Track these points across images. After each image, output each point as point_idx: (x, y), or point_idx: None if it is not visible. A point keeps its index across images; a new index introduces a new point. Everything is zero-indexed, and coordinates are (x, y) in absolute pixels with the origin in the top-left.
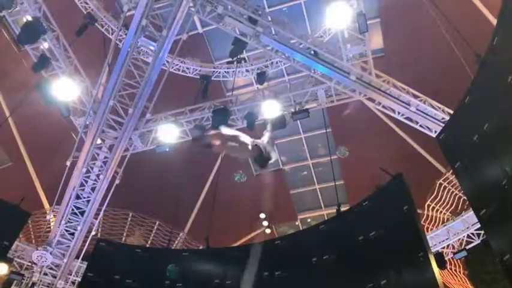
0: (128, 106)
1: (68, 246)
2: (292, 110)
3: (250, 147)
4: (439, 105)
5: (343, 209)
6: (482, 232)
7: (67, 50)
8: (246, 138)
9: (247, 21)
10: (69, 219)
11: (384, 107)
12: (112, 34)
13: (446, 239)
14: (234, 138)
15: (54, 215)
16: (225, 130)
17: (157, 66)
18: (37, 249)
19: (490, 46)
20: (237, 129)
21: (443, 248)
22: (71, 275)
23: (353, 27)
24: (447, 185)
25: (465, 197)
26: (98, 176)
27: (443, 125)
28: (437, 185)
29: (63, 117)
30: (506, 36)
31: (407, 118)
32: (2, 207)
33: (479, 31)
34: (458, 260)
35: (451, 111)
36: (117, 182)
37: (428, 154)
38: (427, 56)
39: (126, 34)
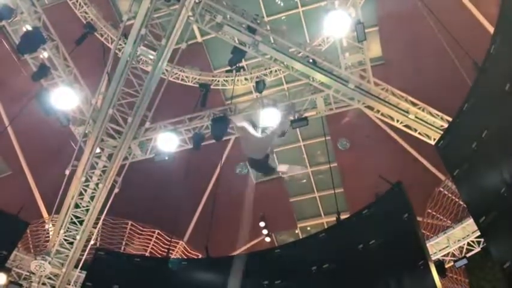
0: (127, 115)
1: (67, 255)
2: (291, 118)
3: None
4: (438, 112)
5: (342, 217)
6: (483, 240)
7: (66, 59)
8: None
9: (246, 30)
10: (68, 228)
11: (382, 114)
12: (111, 43)
13: (447, 246)
14: None
15: (53, 224)
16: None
17: (156, 75)
18: (35, 259)
19: (487, 54)
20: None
21: (444, 256)
22: (69, 284)
23: (351, 35)
24: (447, 193)
25: (465, 205)
26: (97, 184)
27: (442, 132)
28: (437, 192)
29: (62, 126)
30: (504, 44)
31: (406, 126)
32: (0, 216)
33: (477, 39)
34: (459, 268)
35: (450, 119)
36: (116, 190)
37: (428, 161)
38: (426, 64)
39: (125, 43)
